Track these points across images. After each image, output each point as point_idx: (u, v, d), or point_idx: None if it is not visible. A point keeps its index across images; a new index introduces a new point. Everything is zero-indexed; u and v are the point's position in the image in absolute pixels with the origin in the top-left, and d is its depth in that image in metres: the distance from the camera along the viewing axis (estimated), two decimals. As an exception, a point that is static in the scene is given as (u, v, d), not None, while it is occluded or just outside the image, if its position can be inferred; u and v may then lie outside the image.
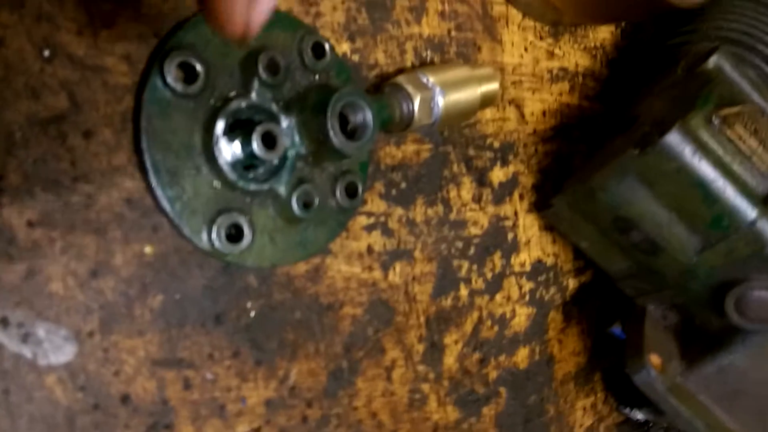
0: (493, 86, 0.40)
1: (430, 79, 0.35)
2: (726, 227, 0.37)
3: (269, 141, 0.28)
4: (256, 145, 0.28)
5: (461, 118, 0.38)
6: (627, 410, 0.53)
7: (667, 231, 0.39)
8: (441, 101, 0.35)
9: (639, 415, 0.53)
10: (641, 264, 0.42)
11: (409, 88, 0.34)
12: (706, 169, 0.37)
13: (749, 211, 0.37)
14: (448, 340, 0.41)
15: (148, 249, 0.27)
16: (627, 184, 0.39)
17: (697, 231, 0.39)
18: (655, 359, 0.41)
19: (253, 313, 0.31)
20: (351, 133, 0.30)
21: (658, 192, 0.38)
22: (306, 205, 0.30)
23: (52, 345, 0.24)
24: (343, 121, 0.30)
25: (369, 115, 0.30)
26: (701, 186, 0.37)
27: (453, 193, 0.41)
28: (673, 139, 0.37)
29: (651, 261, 0.41)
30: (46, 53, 0.24)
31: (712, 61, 0.42)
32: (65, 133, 0.25)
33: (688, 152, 0.37)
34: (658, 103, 0.44)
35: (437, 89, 0.35)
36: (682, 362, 0.43)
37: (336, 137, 0.29)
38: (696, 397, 0.42)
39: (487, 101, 0.40)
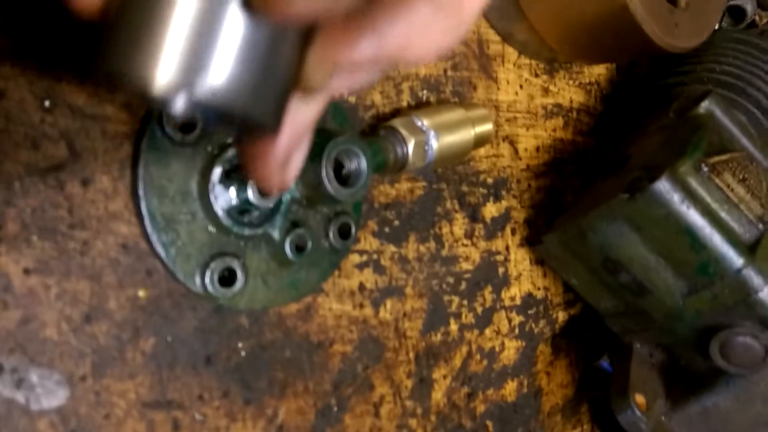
0: (487, 127, 0.40)
1: (425, 122, 0.36)
2: (712, 274, 0.38)
3: (264, 188, 0.29)
4: (251, 192, 0.28)
5: (455, 159, 0.39)
6: (612, 443, 0.53)
7: (654, 274, 0.40)
8: (435, 144, 0.36)
9: (624, 449, 0.53)
10: (629, 304, 0.43)
11: (404, 132, 0.35)
12: (694, 216, 0.37)
13: (735, 259, 0.37)
14: (437, 375, 0.41)
15: (141, 293, 0.27)
16: (616, 227, 0.40)
17: (684, 276, 0.39)
18: (639, 399, 0.42)
19: (243, 353, 0.31)
20: (345, 178, 0.31)
21: (647, 236, 0.39)
22: (299, 248, 0.31)
23: (45, 390, 0.25)
24: (338, 166, 0.31)
25: (363, 162, 0.31)
26: (689, 233, 0.38)
27: (445, 229, 0.42)
28: (663, 186, 0.37)
29: (638, 302, 0.42)
30: (47, 104, 0.25)
31: (704, 106, 0.43)
32: (64, 181, 0.25)
33: (676, 199, 0.37)
34: (649, 145, 0.44)
35: (431, 132, 0.36)
36: (666, 402, 0.43)
37: (330, 184, 0.29)
38: (679, 438, 0.42)
39: (481, 141, 0.40)
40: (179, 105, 0.15)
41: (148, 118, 0.27)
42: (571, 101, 0.51)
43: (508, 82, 0.46)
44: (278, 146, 0.17)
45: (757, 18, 0.73)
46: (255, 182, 0.18)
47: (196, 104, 0.15)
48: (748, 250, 0.38)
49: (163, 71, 0.14)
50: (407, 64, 0.17)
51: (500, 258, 0.46)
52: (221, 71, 0.15)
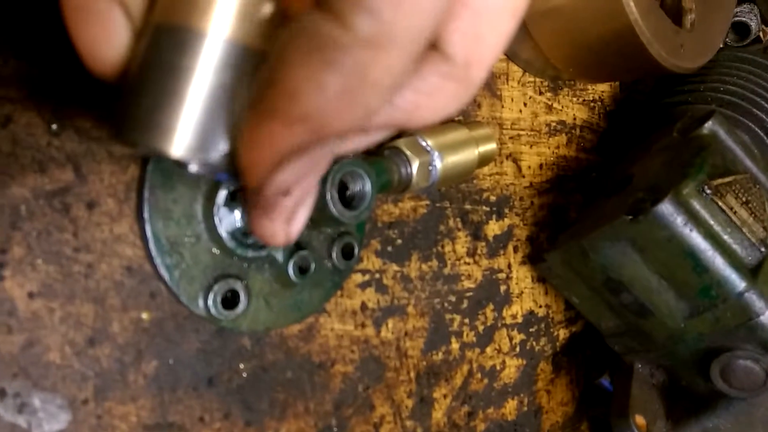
0: (491, 146, 0.40)
1: (429, 142, 0.36)
2: (714, 297, 0.38)
3: (269, 211, 0.29)
4: (255, 215, 0.28)
5: (459, 178, 0.39)
6: (612, 462, 0.53)
7: (656, 296, 0.40)
8: (439, 165, 0.36)
9: (624, 467, 0.53)
10: (630, 324, 0.43)
11: (408, 153, 0.35)
12: (696, 239, 0.37)
13: (738, 283, 0.37)
14: (438, 394, 0.41)
15: (145, 315, 0.27)
16: (619, 248, 0.40)
17: (686, 298, 0.39)
18: (640, 420, 0.42)
19: (245, 374, 0.31)
20: (350, 200, 0.31)
21: (649, 258, 0.39)
22: (302, 270, 0.31)
23: (47, 414, 0.25)
24: (342, 187, 0.31)
25: (368, 185, 0.31)
26: (691, 255, 0.38)
27: (448, 248, 0.42)
28: (665, 208, 0.37)
29: (640, 322, 0.42)
30: (54, 127, 0.25)
31: (707, 126, 0.43)
32: (69, 204, 0.25)
33: (679, 222, 0.37)
34: (652, 165, 0.44)
35: (435, 153, 0.36)
36: (667, 423, 0.43)
37: (335, 207, 0.29)
38: (680, 460, 0.42)
39: (484, 161, 0.40)
40: (194, 167, 0.17)
41: (153, 141, 0.27)
42: (575, 118, 0.51)
43: (512, 100, 0.46)
44: (283, 204, 0.17)
45: (761, 34, 0.73)
46: (261, 239, 0.18)
47: (209, 166, 0.16)
48: (751, 273, 0.38)
49: (180, 141, 0.15)
50: (414, 127, 0.17)
51: (502, 276, 0.46)
52: (232, 139, 0.16)
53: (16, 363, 0.24)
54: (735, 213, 0.39)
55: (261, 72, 0.15)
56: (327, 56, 0.14)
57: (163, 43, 0.15)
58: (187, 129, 0.15)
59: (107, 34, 0.16)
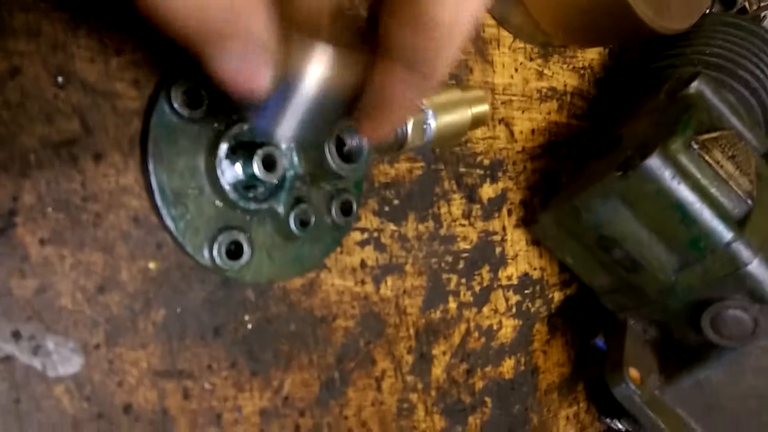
0: (483, 108, 0.41)
1: (423, 102, 0.37)
2: (703, 248, 0.39)
3: (269, 163, 0.29)
4: (256, 168, 0.29)
5: (452, 138, 0.40)
6: (608, 420, 0.55)
7: (647, 250, 0.41)
8: (433, 123, 0.37)
9: (620, 425, 0.54)
10: (623, 280, 0.44)
11: (403, 111, 0.36)
12: (684, 192, 0.39)
13: (725, 233, 0.39)
14: (437, 351, 0.42)
15: (152, 265, 0.28)
16: (610, 204, 0.41)
17: (675, 251, 0.40)
18: (633, 373, 0.43)
19: (250, 326, 0.32)
20: (347, 155, 0.32)
21: (639, 213, 0.40)
22: (303, 223, 0.32)
23: (61, 357, 0.26)
24: (340, 143, 0.32)
25: (365, 140, 0.32)
26: (680, 208, 0.39)
27: (444, 209, 0.43)
28: (654, 163, 0.38)
29: (632, 278, 0.43)
30: (60, 80, 0.26)
31: (694, 86, 0.44)
32: (76, 155, 0.26)
33: (667, 176, 0.38)
34: (641, 126, 0.45)
35: (429, 112, 0.37)
36: (660, 376, 0.44)
37: (333, 160, 0.30)
38: (673, 411, 0.43)
39: (477, 122, 0.41)
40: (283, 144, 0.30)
41: (156, 94, 0.28)
42: (565, 85, 0.52)
43: (503, 66, 0.47)
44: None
45: (746, 5, 0.74)
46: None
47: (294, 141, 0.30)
48: (737, 224, 0.39)
49: (284, 133, 0.24)
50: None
51: (497, 238, 0.47)
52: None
53: (30, 306, 0.25)
54: (721, 167, 0.40)
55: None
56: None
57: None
58: (291, 127, 0.24)
59: (262, 80, 0.21)
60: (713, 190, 0.39)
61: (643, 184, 0.39)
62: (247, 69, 0.20)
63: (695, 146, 0.40)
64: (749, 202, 0.40)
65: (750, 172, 0.41)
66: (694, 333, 0.43)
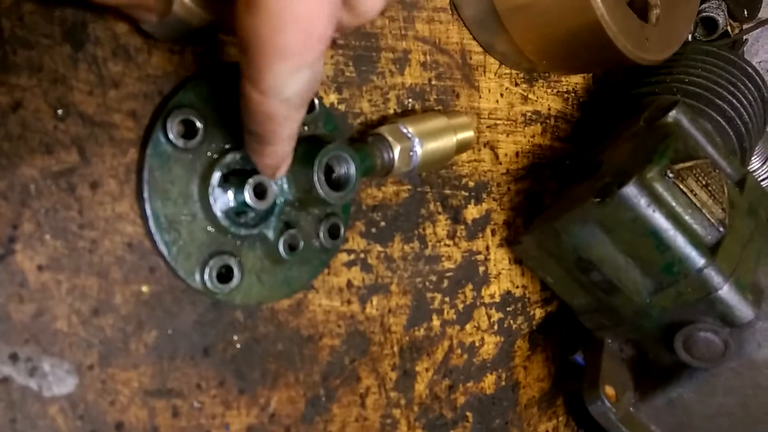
0: (468, 134, 0.43)
1: (410, 129, 0.38)
2: (676, 273, 0.41)
3: (260, 191, 0.31)
4: (248, 195, 0.30)
5: (438, 164, 0.41)
6: (586, 434, 0.56)
7: (623, 273, 0.43)
8: (419, 150, 0.38)
9: (597, 439, 0.56)
10: (600, 301, 0.46)
11: (390, 139, 0.37)
12: (659, 219, 0.40)
13: (698, 260, 0.40)
14: (420, 368, 0.44)
15: (145, 288, 0.29)
16: (588, 229, 0.42)
17: (650, 275, 0.42)
18: (609, 391, 0.44)
19: (238, 346, 0.33)
20: (336, 182, 0.33)
21: (616, 238, 0.42)
22: (292, 248, 0.33)
23: (56, 378, 0.27)
24: (329, 170, 0.33)
25: (353, 168, 0.33)
26: (655, 235, 0.40)
27: (429, 230, 0.44)
28: (630, 191, 0.40)
29: (609, 299, 0.45)
30: (60, 112, 0.27)
31: (671, 115, 0.46)
32: (74, 184, 0.27)
33: (643, 203, 0.40)
34: (620, 152, 0.47)
35: (416, 140, 0.38)
36: (635, 394, 0.46)
37: (321, 189, 0.32)
38: (647, 427, 0.45)
39: (462, 147, 0.43)
40: None
41: (152, 125, 0.29)
42: (549, 109, 0.54)
43: (489, 91, 0.48)
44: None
45: (728, 29, 0.76)
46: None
47: None
48: (710, 251, 0.41)
49: None
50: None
51: (481, 258, 0.48)
52: None
53: (27, 330, 0.26)
54: (695, 195, 0.42)
55: None
56: None
57: None
58: None
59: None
60: (687, 218, 0.41)
61: (620, 211, 0.40)
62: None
63: (671, 175, 0.41)
64: (721, 229, 0.42)
65: (723, 201, 0.43)
66: (667, 353, 0.44)
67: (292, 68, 0.22)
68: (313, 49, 0.22)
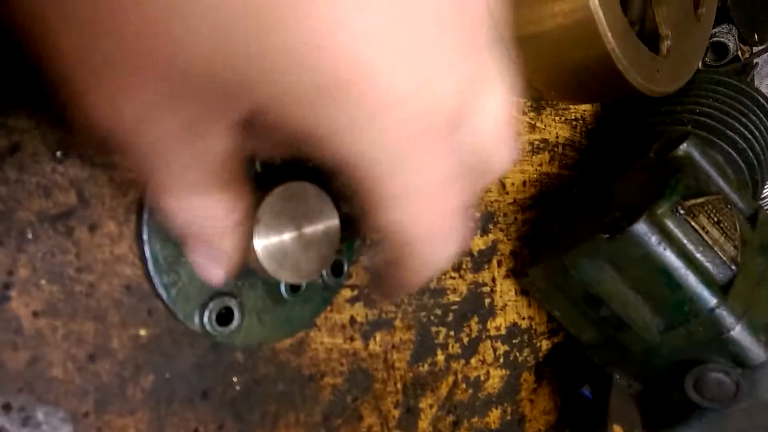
0: (476, 167, 0.42)
1: (416, 164, 0.37)
2: (687, 312, 0.40)
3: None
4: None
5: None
6: (592, 469, 0.55)
7: (633, 310, 0.42)
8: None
9: (604, 474, 0.55)
10: (609, 337, 0.45)
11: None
12: (670, 257, 0.39)
13: (709, 299, 0.39)
14: (424, 404, 0.43)
15: (143, 332, 0.29)
16: (597, 265, 0.41)
17: (660, 313, 0.41)
18: (617, 429, 0.43)
19: (238, 387, 0.33)
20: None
21: (626, 275, 0.41)
22: (294, 288, 0.32)
23: (50, 427, 0.26)
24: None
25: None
26: (665, 273, 0.39)
27: (434, 263, 0.43)
28: (641, 228, 0.39)
29: (618, 335, 0.44)
30: (59, 154, 0.26)
31: (682, 148, 0.45)
32: (72, 227, 0.26)
33: (654, 241, 0.39)
34: (630, 184, 0.46)
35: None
36: (643, 432, 0.45)
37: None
38: (655, 468, 0.44)
39: (469, 180, 0.42)
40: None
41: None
42: (557, 137, 0.53)
43: (496, 121, 0.48)
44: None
45: (739, 53, 0.75)
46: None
47: None
48: (721, 290, 0.40)
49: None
50: None
51: (486, 289, 0.48)
52: None
53: (21, 378, 0.25)
54: (707, 232, 0.41)
55: None
56: None
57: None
58: None
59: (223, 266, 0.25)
60: (698, 256, 0.40)
61: (630, 248, 0.39)
62: (208, 267, 0.26)
63: (681, 212, 0.40)
64: (733, 267, 0.41)
65: (735, 238, 0.42)
66: (677, 392, 0.43)
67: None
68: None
